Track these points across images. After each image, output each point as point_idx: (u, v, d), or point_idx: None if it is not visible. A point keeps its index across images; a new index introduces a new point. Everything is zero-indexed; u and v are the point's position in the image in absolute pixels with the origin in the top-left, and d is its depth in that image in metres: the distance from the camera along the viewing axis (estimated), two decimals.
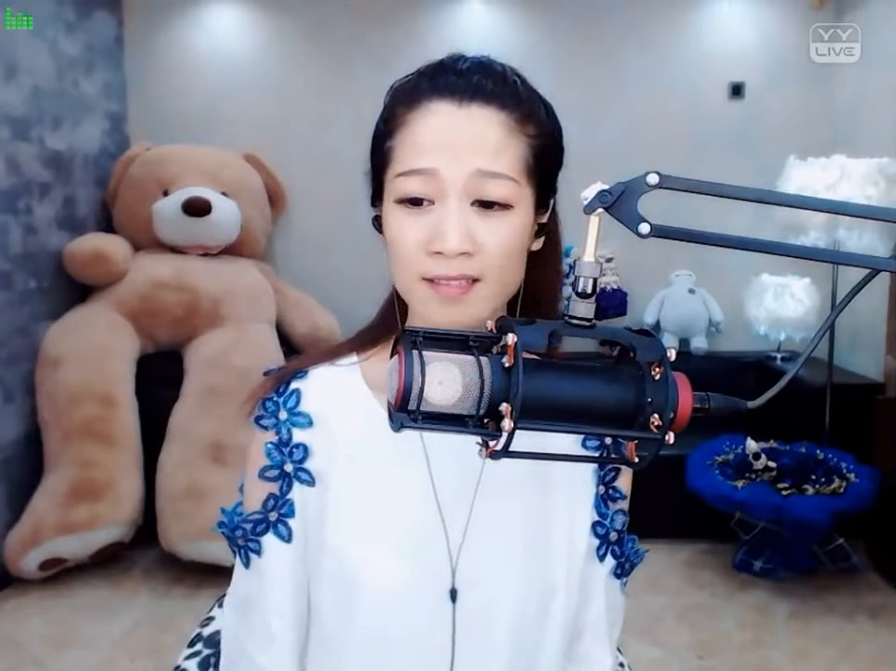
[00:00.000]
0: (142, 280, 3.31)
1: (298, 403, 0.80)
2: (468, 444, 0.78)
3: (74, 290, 3.38)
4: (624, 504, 0.85)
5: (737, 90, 3.93)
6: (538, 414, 0.58)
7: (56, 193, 3.37)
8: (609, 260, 3.79)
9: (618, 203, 0.59)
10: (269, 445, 0.80)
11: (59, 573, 2.95)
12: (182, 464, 2.96)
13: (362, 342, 0.84)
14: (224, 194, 3.52)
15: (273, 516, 0.79)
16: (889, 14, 3.39)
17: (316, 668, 0.82)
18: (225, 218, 3.47)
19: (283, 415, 0.80)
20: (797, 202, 0.63)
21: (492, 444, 0.60)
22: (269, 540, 0.79)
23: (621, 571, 0.85)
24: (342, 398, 0.80)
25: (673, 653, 2.59)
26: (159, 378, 3.24)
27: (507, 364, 0.58)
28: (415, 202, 0.70)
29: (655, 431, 0.59)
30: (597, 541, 0.83)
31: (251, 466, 0.81)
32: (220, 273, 3.42)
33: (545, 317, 0.82)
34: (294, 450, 0.79)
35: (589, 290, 0.61)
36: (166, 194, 3.48)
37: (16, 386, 3.11)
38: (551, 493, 0.81)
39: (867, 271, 0.63)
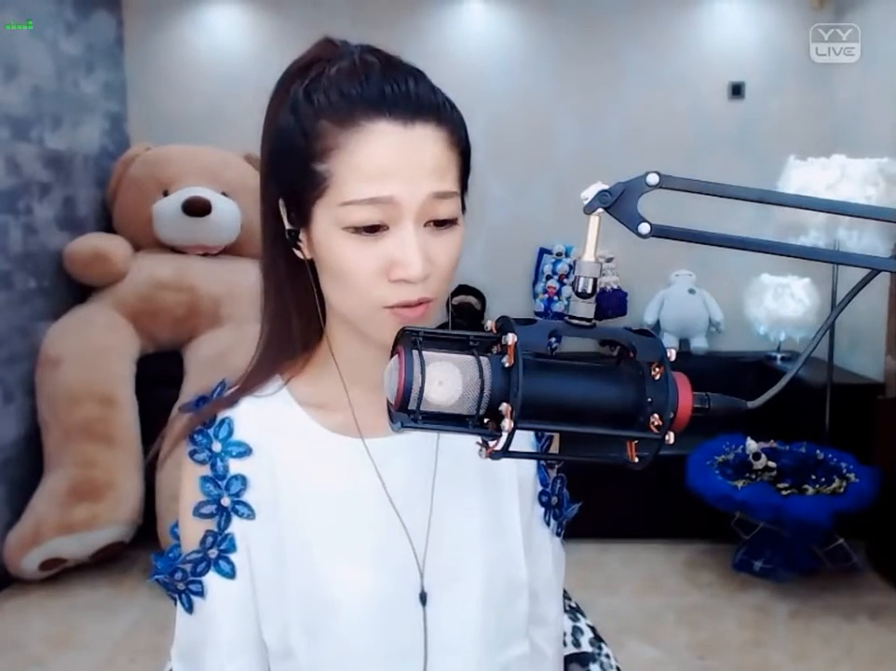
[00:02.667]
0: (142, 280, 3.31)
1: (231, 432, 0.77)
2: (415, 445, 0.79)
3: (74, 290, 3.38)
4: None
5: (737, 90, 3.93)
6: (538, 414, 0.58)
7: (56, 193, 3.37)
8: (609, 260, 3.79)
9: (618, 203, 0.59)
10: (204, 480, 0.77)
11: (59, 573, 2.95)
12: (182, 464, 2.96)
13: (280, 363, 0.81)
14: (224, 194, 3.52)
15: (213, 553, 0.76)
16: (889, 14, 3.39)
17: None
18: (225, 218, 3.47)
19: (217, 446, 0.77)
20: (797, 202, 0.63)
21: (492, 444, 0.60)
22: (212, 580, 0.76)
23: (560, 529, 0.88)
24: (276, 421, 0.78)
25: (673, 653, 2.59)
26: (159, 378, 3.24)
27: (507, 364, 0.58)
28: (370, 229, 0.67)
29: (655, 430, 0.59)
30: (542, 510, 0.86)
31: (184, 503, 0.78)
32: (220, 273, 3.42)
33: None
34: (232, 482, 0.76)
35: (589, 290, 0.61)
36: (166, 194, 3.48)
37: (16, 386, 3.11)
38: (500, 477, 0.82)
39: (867, 271, 0.63)
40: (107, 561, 3.04)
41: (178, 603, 0.78)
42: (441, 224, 0.69)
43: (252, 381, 0.80)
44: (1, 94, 3.03)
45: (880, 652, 2.59)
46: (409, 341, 0.59)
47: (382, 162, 0.66)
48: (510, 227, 3.93)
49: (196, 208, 3.34)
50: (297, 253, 0.74)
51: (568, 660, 0.94)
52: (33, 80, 3.23)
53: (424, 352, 0.58)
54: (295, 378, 0.80)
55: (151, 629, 2.68)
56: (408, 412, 0.57)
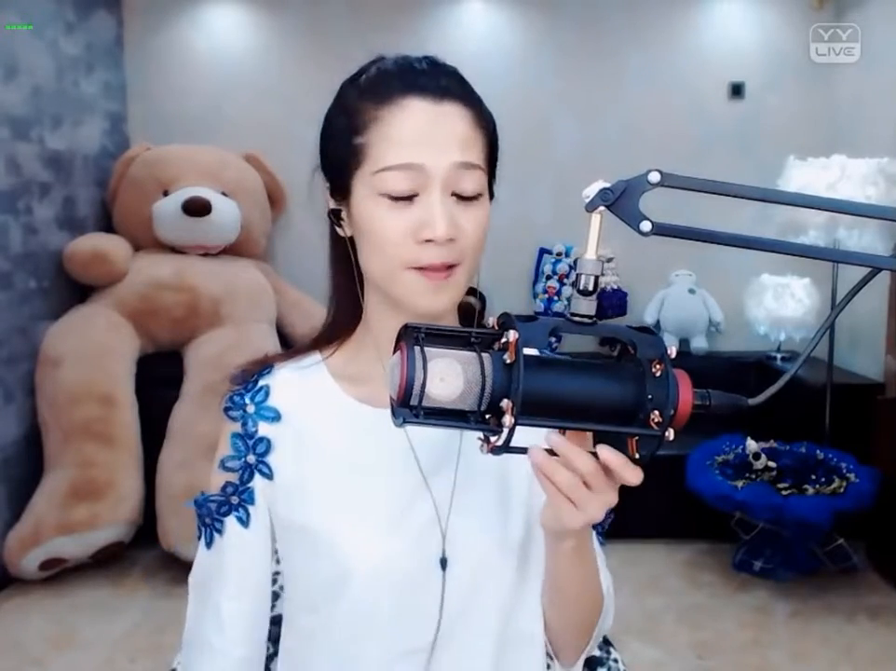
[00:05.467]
0: (142, 281, 3.31)
1: (266, 397, 0.84)
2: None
3: (74, 290, 3.38)
4: None
5: (737, 90, 3.92)
6: (539, 410, 0.58)
7: (56, 193, 3.37)
8: (609, 260, 3.79)
9: (620, 201, 0.59)
10: (234, 436, 0.83)
11: (59, 573, 2.95)
12: (182, 464, 2.96)
13: (322, 340, 0.88)
14: (224, 194, 3.51)
15: (234, 500, 0.83)
16: (889, 14, 3.39)
17: (311, 653, 0.84)
18: (225, 218, 3.47)
19: (251, 408, 0.83)
20: (799, 201, 0.63)
21: (493, 439, 0.60)
22: (231, 522, 0.83)
23: (601, 529, 0.91)
24: (310, 392, 0.84)
25: (673, 653, 2.59)
26: (159, 378, 3.24)
27: (508, 361, 0.58)
28: (402, 196, 0.73)
29: (655, 427, 0.59)
30: None
31: (217, 455, 0.85)
32: (220, 273, 3.42)
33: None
34: (258, 443, 0.82)
35: (590, 287, 0.61)
36: (166, 194, 3.48)
37: (16, 386, 3.11)
38: (510, 471, 0.84)
39: (867, 271, 0.63)
40: (107, 561, 3.03)
41: (202, 536, 0.85)
42: (465, 198, 0.75)
43: (300, 351, 0.87)
44: (1, 94, 3.03)
45: (880, 652, 2.59)
46: (411, 337, 0.59)
47: (413, 132, 0.73)
48: (510, 227, 3.92)
49: (196, 208, 3.34)
50: (339, 231, 0.81)
51: None
52: (34, 80, 3.23)
53: (426, 348, 0.58)
54: (333, 355, 0.86)
55: (151, 629, 2.68)
56: (410, 407, 0.57)
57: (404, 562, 0.79)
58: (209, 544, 0.85)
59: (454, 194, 0.74)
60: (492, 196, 0.82)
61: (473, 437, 0.80)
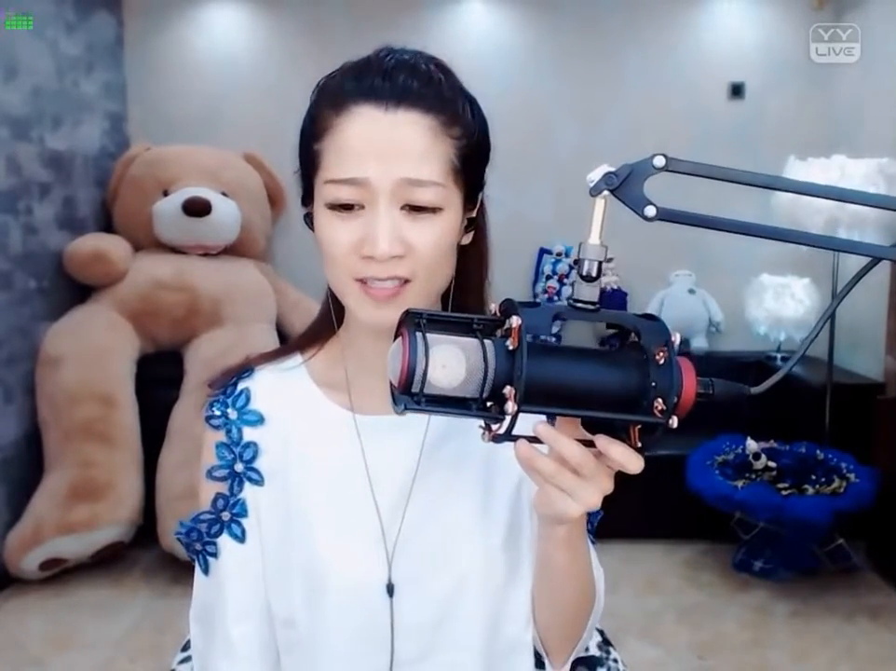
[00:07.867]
0: (142, 281, 3.31)
1: (248, 402, 0.81)
2: (407, 436, 0.80)
3: (74, 290, 3.38)
4: None
5: (737, 90, 3.92)
6: (542, 397, 0.57)
7: (56, 193, 3.37)
8: (609, 260, 3.78)
9: (624, 186, 0.58)
10: (219, 445, 0.80)
11: (59, 573, 2.95)
12: (182, 464, 2.96)
13: (305, 342, 0.86)
14: (224, 194, 3.51)
15: (226, 516, 0.80)
16: (889, 14, 3.39)
17: (293, 668, 0.82)
18: (225, 218, 3.46)
19: (233, 414, 0.81)
20: (805, 189, 0.62)
21: (494, 427, 0.59)
22: (225, 542, 0.80)
23: (591, 527, 0.88)
24: (291, 395, 0.82)
25: (673, 653, 2.58)
26: (159, 378, 3.24)
27: (511, 347, 0.57)
28: (346, 207, 0.71)
29: (659, 415, 0.58)
30: None
31: (202, 464, 0.82)
32: (220, 273, 3.42)
33: (474, 307, 0.84)
34: (245, 450, 0.80)
35: (594, 273, 0.60)
36: (166, 194, 3.48)
37: (16, 386, 3.11)
38: (497, 473, 0.81)
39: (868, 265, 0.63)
40: (107, 561, 3.03)
41: (196, 564, 0.82)
42: (417, 209, 0.71)
43: (281, 352, 0.85)
44: (1, 94, 3.02)
45: (880, 652, 2.58)
46: (412, 323, 0.58)
47: (360, 143, 0.69)
48: (510, 227, 3.92)
49: (196, 208, 3.34)
50: (315, 235, 0.78)
51: (576, 663, 0.93)
52: (34, 80, 3.22)
53: (428, 335, 0.57)
54: (314, 358, 0.84)
55: (151, 629, 2.68)
56: (411, 394, 0.57)
57: (359, 581, 0.77)
58: (205, 570, 0.81)
59: (407, 206, 0.71)
60: (473, 206, 0.78)
61: (437, 454, 0.80)
